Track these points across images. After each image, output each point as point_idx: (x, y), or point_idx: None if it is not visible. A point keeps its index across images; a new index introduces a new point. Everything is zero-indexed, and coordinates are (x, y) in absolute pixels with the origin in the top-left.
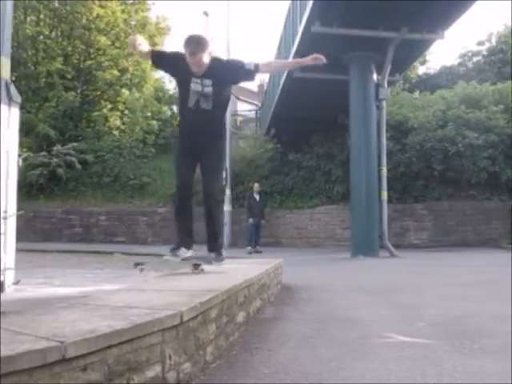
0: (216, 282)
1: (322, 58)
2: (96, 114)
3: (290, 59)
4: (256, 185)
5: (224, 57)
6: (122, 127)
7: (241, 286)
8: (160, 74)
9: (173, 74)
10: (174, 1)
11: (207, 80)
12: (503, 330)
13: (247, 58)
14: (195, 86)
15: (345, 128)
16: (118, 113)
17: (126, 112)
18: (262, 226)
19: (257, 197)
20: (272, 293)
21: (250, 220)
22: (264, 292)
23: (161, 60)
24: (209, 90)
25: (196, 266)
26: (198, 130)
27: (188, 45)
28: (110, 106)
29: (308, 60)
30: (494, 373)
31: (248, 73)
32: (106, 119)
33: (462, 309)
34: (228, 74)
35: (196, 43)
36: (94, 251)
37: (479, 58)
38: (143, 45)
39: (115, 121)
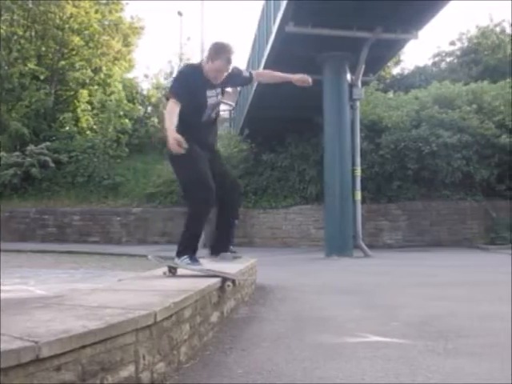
0: (190, 282)
1: (309, 81)
2: (67, 114)
3: (265, 58)
4: None
5: (198, 57)
6: (95, 127)
7: (214, 286)
8: (132, 74)
9: (188, 94)
10: (148, 1)
11: (218, 89)
12: (480, 330)
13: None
14: (211, 99)
15: (319, 128)
16: (90, 113)
17: (97, 112)
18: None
19: None
20: (246, 293)
21: None
22: (238, 292)
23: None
24: (219, 98)
25: (173, 270)
26: (210, 139)
27: (229, 52)
28: (82, 105)
29: (295, 78)
30: (469, 373)
31: (245, 80)
32: (79, 119)
33: (437, 308)
34: (229, 80)
35: (233, 53)
36: (68, 251)
37: (452, 58)
38: (173, 121)
39: (87, 120)
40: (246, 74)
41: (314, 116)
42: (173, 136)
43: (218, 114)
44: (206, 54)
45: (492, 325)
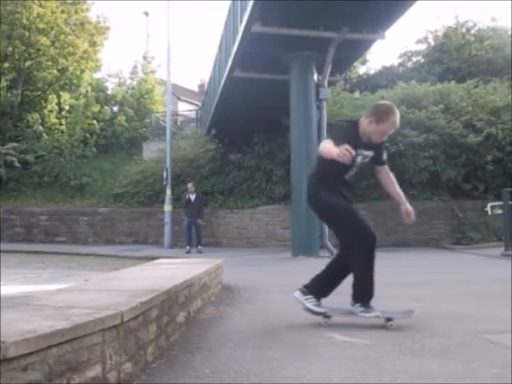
0: (157, 282)
1: (411, 218)
2: (35, 114)
3: (232, 58)
4: (189, 185)
5: (165, 57)
6: (62, 128)
7: (181, 286)
8: (99, 75)
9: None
10: (114, 0)
11: (370, 151)
12: (445, 330)
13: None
14: (361, 158)
15: (286, 128)
16: (58, 114)
17: (65, 113)
18: (200, 225)
19: (192, 197)
20: (213, 293)
21: (185, 219)
22: (205, 292)
23: None
24: (366, 160)
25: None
26: (347, 196)
27: (396, 116)
28: (49, 106)
29: (405, 206)
30: (436, 373)
31: (378, 159)
32: (45, 119)
33: (403, 309)
34: (378, 150)
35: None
36: (35, 251)
37: (419, 57)
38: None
39: (53, 119)
40: (384, 156)
41: (282, 116)
42: (337, 151)
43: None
44: (368, 114)
45: (457, 325)
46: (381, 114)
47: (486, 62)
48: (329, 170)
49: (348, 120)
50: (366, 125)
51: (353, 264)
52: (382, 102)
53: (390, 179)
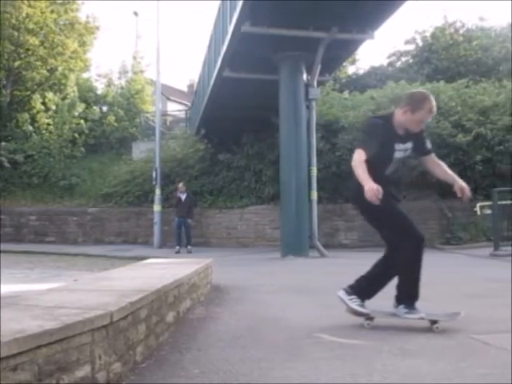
0: (146, 282)
1: (467, 196)
2: (24, 114)
3: (221, 58)
4: (180, 185)
5: (154, 57)
6: (50, 128)
7: (171, 286)
8: (88, 75)
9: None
10: (104, 0)
11: (409, 143)
12: (437, 330)
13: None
14: (398, 153)
15: (276, 128)
16: (45, 114)
17: (52, 112)
18: (190, 225)
19: (182, 196)
20: (202, 293)
21: (175, 219)
22: (194, 292)
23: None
24: (407, 153)
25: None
26: (393, 193)
27: (431, 102)
28: (37, 106)
29: (459, 184)
30: (425, 373)
31: (423, 149)
32: (34, 119)
33: (392, 308)
34: (418, 140)
35: (434, 102)
36: (24, 251)
37: (408, 57)
38: (365, 170)
39: (42, 119)
40: (428, 145)
41: (271, 116)
42: (369, 186)
43: (400, 172)
44: (401, 104)
45: (447, 325)
46: (416, 102)
47: (474, 62)
48: (371, 167)
49: (381, 115)
50: (400, 116)
51: (399, 264)
52: (416, 90)
53: (439, 166)
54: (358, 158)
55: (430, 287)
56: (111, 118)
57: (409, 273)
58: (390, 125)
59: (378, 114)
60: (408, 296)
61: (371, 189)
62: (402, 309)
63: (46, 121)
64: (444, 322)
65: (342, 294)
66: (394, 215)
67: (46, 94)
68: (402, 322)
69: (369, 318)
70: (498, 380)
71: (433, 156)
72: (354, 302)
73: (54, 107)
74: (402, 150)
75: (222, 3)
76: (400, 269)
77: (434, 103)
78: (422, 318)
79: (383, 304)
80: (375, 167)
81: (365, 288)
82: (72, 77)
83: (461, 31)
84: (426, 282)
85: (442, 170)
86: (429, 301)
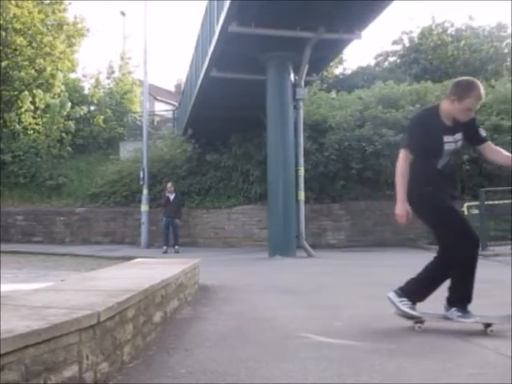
0: (134, 282)
1: None
2: (11, 114)
3: (208, 58)
4: (169, 184)
5: (141, 57)
6: (37, 127)
7: (158, 286)
8: (75, 75)
9: (424, 141)
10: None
11: (458, 134)
12: (424, 329)
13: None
14: (449, 145)
15: (264, 127)
16: (33, 113)
17: (40, 112)
18: (178, 225)
19: (170, 196)
20: (189, 293)
21: (163, 219)
22: (181, 292)
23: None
24: (459, 144)
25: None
26: (447, 186)
27: (479, 89)
28: (25, 106)
29: None
30: (412, 373)
31: (477, 138)
32: (21, 119)
33: (380, 309)
34: (464, 128)
35: (482, 89)
36: (11, 251)
37: (395, 57)
38: (404, 182)
39: (28, 119)
40: (482, 133)
41: (259, 113)
42: (400, 206)
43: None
44: (448, 94)
45: (434, 324)
46: (462, 90)
47: (462, 63)
48: (419, 162)
49: (427, 108)
50: (447, 106)
51: (452, 266)
52: (461, 78)
53: (499, 152)
54: (401, 162)
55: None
56: (99, 118)
57: (462, 275)
58: (438, 117)
59: (426, 108)
60: (461, 299)
61: (401, 209)
62: (454, 312)
63: (33, 121)
64: (498, 325)
65: (392, 295)
66: (449, 216)
67: (36, 92)
68: (450, 325)
69: (419, 321)
70: (485, 380)
71: (490, 143)
72: (404, 305)
73: (43, 106)
74: (451, 141)
75: (210, 3)
76: (453, 271)
77: (482, 90)
78: (476, 322)
79: (432, 306)
80: (427, 162)
81: (416, 290)
82: (60, 76)
83: (449, 31)
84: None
85: (503, 155)
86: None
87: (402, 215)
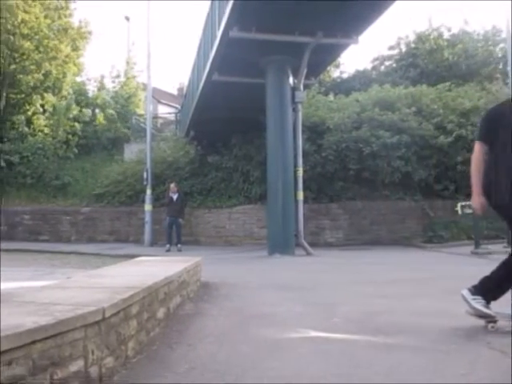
0: (137, 280)
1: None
2: (20, 116)
3: (210, 62)
4: (172, 185)
5: (144, 61)
6: (45, 130)
7: (161, 283)
8: (81, 79)
9: (500, 135)
10: (96, 6)
11: None
12: (419, 326)
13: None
14: None
15: (263, 129)
16: (42, 116)
17: (48, 115)
18: (181, 225)
19: (174, 196)
20: (191, 290)
21: (166, 219)
22: (184, 289)
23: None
24: None
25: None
26: None
27: None
28: (34, 108)
29: None
30: (409, 368)
31: None
32: (30, 121)
33: (377, 305)
34: None
35: None
36: (18, 249)
37: (391, 62)
38: (479, 175)
39: (38, 121)
40: None
41: (259, 115)
42: (476, 199)
43: None
44: None
45: (431, 321)
46: None
47: (458, 68)
48: (498, 158)
49: (501, 103)
50: None
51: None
52: None
53: None
54: (476, 153)
55: (413, 283)
56: (100, 117)
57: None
58: (507, 113)
59: (498, 104)
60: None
61: (478, 202)
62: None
63: (43, 122)
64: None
65: (465, 292)
66: None
67: (46, 95)
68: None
69: (492, 320)
70: (477, 377)
71: None
72: (478, 303)
73: (51, 109)
74: None
75: (211, 8)
76: (507, 269)
77: None
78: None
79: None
80: (504, 157)
81: (490, 289)
82: (68, 79)
83: (445, 35)
84: (408, 278)
85: None
86: (415, 296)
87: (477, 208)
